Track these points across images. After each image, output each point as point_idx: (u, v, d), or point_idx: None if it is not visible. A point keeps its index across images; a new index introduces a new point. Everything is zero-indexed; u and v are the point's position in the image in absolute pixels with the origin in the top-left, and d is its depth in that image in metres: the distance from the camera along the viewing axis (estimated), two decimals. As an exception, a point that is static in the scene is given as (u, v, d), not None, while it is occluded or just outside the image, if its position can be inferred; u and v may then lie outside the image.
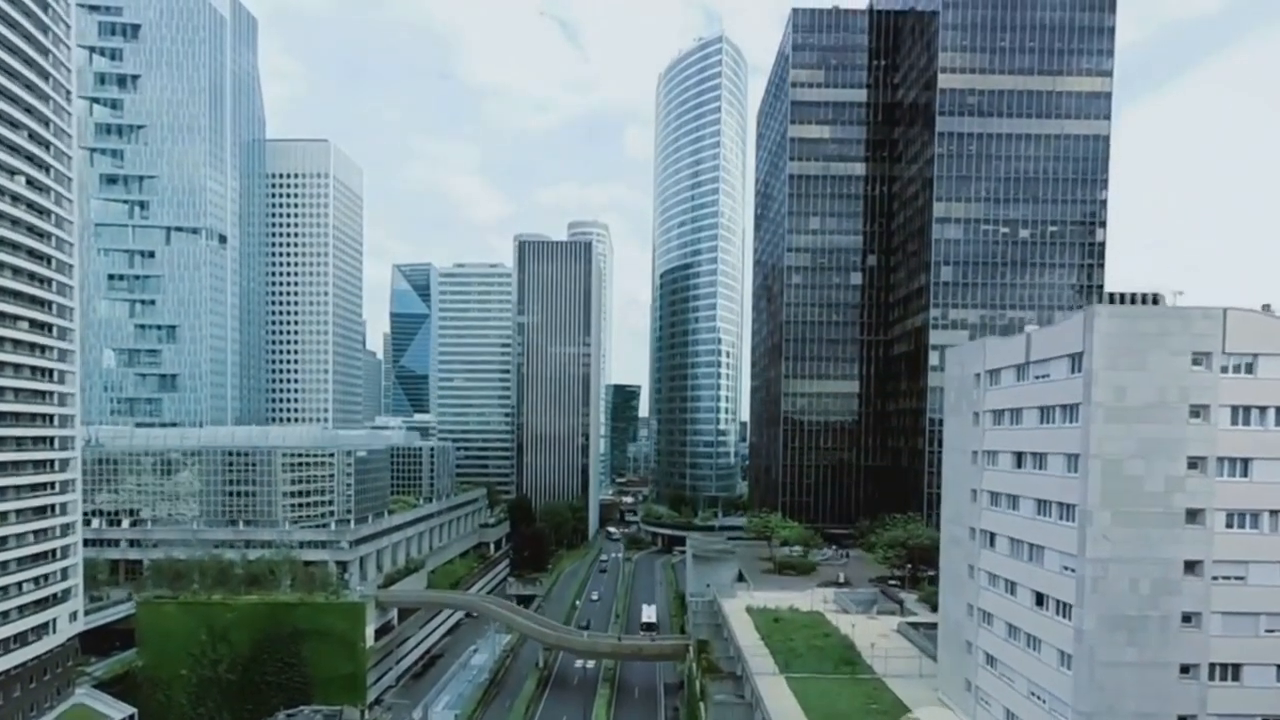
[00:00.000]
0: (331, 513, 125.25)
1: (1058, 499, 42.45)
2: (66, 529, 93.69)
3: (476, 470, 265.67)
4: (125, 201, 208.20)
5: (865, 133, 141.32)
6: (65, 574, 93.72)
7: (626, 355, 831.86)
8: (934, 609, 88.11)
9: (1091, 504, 39.25)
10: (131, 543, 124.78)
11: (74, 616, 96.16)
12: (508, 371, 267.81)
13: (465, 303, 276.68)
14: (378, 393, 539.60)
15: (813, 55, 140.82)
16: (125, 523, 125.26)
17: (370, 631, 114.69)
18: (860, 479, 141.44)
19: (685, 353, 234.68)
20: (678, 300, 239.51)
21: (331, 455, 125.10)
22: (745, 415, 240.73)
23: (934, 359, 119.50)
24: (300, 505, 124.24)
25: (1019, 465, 46.93)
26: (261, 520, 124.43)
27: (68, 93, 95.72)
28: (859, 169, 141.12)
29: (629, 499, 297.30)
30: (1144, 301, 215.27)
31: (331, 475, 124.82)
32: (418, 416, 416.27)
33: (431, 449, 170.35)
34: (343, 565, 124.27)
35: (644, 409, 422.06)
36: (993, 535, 49.95)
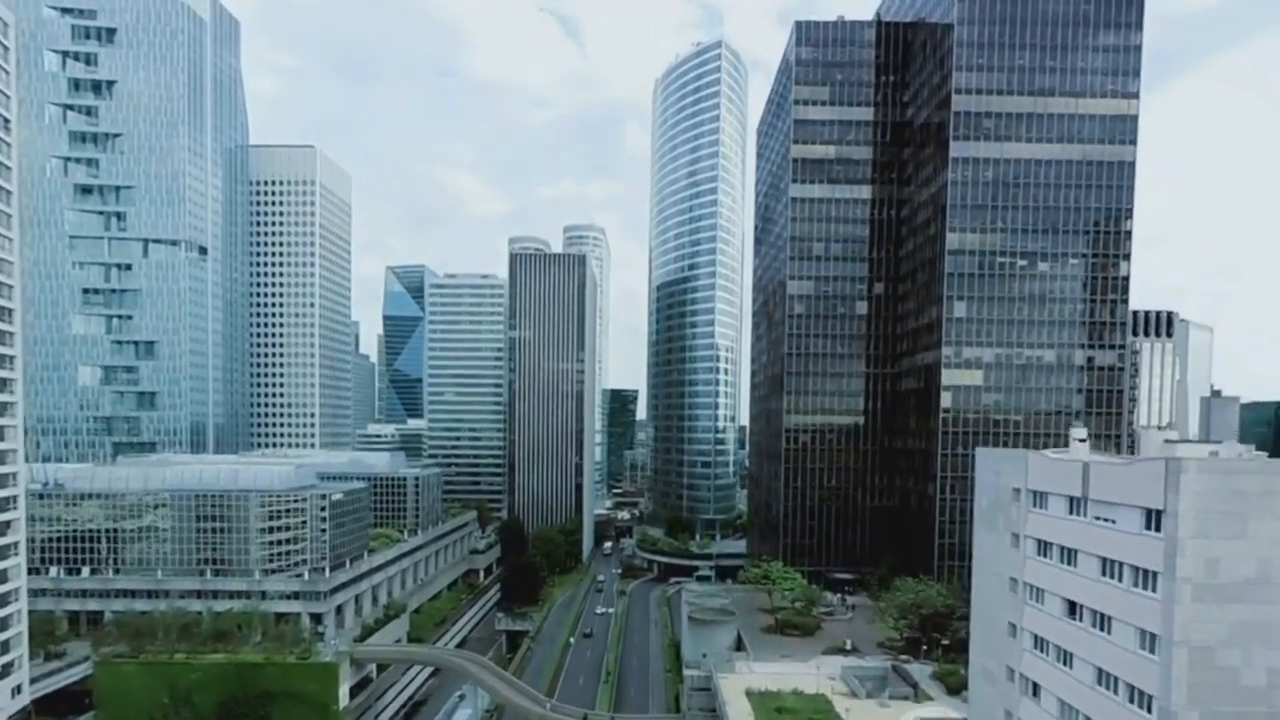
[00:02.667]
0: (304, 560, 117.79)
1: (1127, 678, 35.08)
2: (6, 598, 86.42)
3: (468, 486, 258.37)
4: (101, 212, 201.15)
5: (872, 153, 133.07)
6: (6, 646, 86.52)
7: (624, 354, 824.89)
8: (950, 690, 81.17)
9: (1176, 702, 31.93)
10: (92, 593, 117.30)
11: (18, 690, 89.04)
12: (500, 385, 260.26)
13: (457, 314, 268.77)
14: (371, 397, 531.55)
15: (817, 71, 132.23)
16: (85, 571, 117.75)
17: (344, 691, 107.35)
18: (866, 519, 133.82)
19: (683, 369, 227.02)
20: (674, 316, 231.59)
21: (305, 499, 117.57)
22: (744, 419, 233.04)
23: (946, 400, 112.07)
24: (272, 551, 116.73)
25: (1073, 615, 39.57)
26: (230, 569, 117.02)
27: (5, 121, 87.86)
28: (865, 192, 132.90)
29: (625, 515, 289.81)
30: (1158, 319, 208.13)
31: (304, 521, 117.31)
32: (411, 423, 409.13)
33: (417, 478, 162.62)
34: (317, 617, 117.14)
35: (641, 410, 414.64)
36: (1037, 686, 42.64)
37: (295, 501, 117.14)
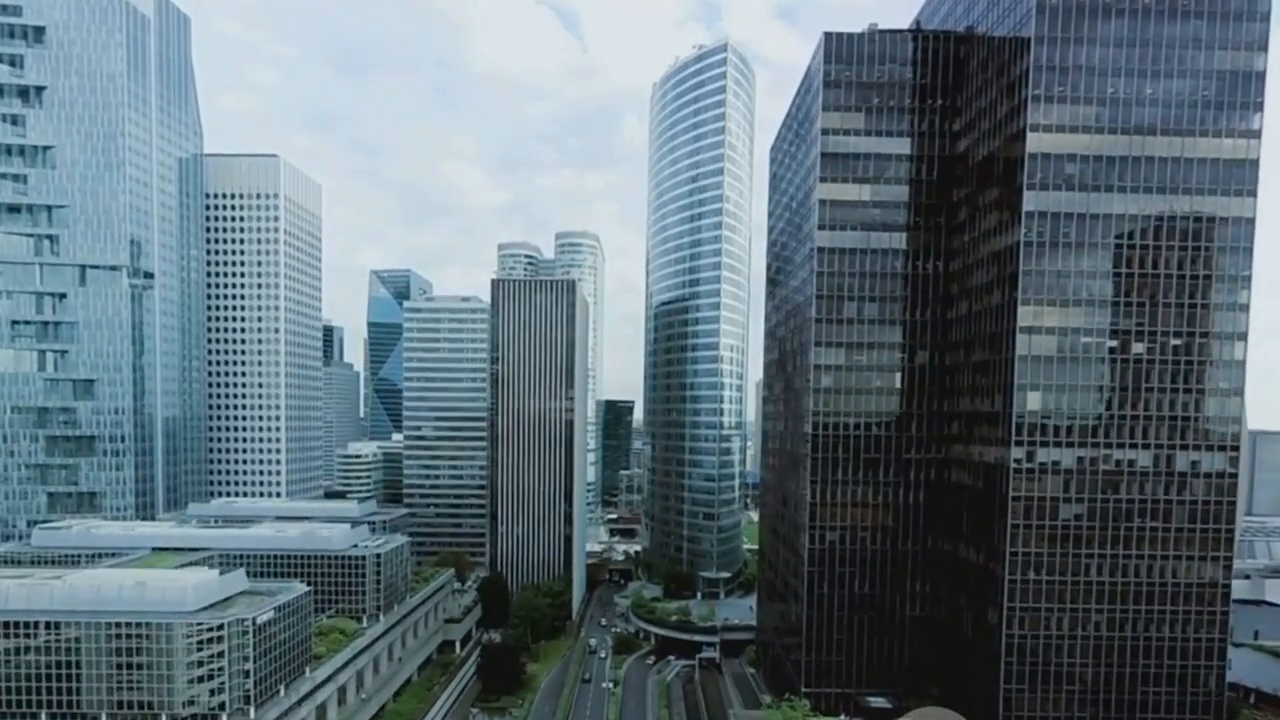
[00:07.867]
0: (222, 701, 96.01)
1: None
2: None
3: (448, 530, 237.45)
4: (31, 235, 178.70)
5: (911, 193, 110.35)
6: None
7: (621, 347, 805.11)
8: None
9: None
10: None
11: None
12: (483, 419, 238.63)
13: (435, 340, 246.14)
14: (355, 408, 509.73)
15: (850, 94, 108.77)
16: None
17: None
18: (905, 632, 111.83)
19: (683, 409, 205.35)
20: (674, 350, 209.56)
21: (222, 627, 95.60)
22: (749, 415, 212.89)
23: (1015, 513, 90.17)
24: (183, 690, 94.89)
25: None
26: (132, 712, 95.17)
27: None
28: (904, 240, 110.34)
29: (620, 555, 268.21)
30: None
31: (222, 655, 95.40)
32: (395, 437, 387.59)
33: (378, 556, 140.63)
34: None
35: (638, 416, 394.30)
36: None
37: (209, 631, 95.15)
